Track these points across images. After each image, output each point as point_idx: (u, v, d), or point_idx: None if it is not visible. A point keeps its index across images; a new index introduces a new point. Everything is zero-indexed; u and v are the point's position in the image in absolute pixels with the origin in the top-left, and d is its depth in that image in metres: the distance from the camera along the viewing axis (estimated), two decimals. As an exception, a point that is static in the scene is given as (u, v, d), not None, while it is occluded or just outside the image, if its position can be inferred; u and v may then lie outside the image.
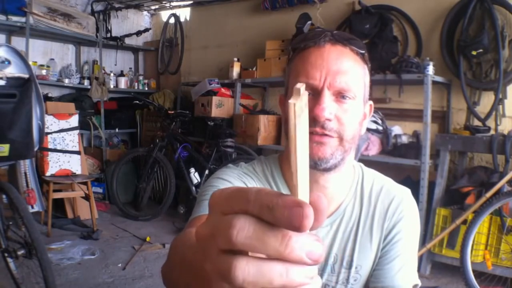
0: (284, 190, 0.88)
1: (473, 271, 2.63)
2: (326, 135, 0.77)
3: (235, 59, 4.39)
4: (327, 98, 0.76)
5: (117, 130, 5.08)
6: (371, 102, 0.88)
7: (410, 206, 0.91)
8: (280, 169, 0.90)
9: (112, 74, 5.15)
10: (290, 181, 0.30)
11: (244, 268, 0.28)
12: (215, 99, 4.18)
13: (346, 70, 0.77)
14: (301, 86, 0.31)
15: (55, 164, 3.84)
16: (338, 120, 0.77)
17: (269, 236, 0.28)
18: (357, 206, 0.89)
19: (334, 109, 0.77)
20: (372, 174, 0.94)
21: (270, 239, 0.28)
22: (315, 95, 0.77)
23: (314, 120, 0.75)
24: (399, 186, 0.93)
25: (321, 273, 0.87)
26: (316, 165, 0.78)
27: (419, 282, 0.89)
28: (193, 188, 4.00)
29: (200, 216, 0.81)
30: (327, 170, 0.81)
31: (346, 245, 0.88)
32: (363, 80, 0.82)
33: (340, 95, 0.78)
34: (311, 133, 0.76)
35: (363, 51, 0.82)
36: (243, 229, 0.28)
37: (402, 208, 0.89)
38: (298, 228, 0.28)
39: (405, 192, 0.92)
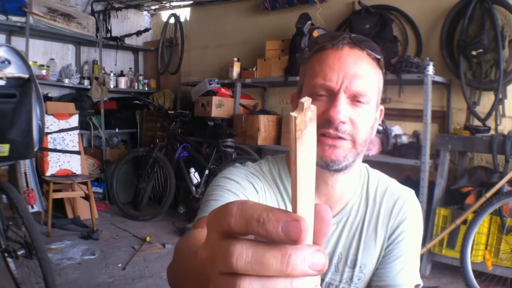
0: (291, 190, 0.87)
1: (473, 271, 2.63)
2: (339, 137, 0.78)
3: (235, 59, 4.38)
4: (343, 101, 0.77)
5: (117, 130, 5.08)
6: (382, 107, 0.88)
7: (414, 207, 0.92)
8: (288, 169, 0.90)
9: (112, 74, 5.16)
10: (292, 192, 0.30)
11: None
12: (215, 99, 4.18)
13: (362, 74, 0.78)
14: (306, 100, 0.30)
15: (55, 164, 3.84)
16: (352, 123, 0.78)
17: (268, 258, 0.28)
18: (363, 206, 0.90)
19: (348, 112, 0.78)
20: (377, 175, 0.95)
21: (270, 260, 0.28)
22: (331, 97, 0.78)
23: (328, 122, 0.76)
24: (404, 187, 0.94)
25: (325, 272, 0.87)
26: (328, 167, 0.79)
27: (421, 282, 0.90)
28: (193, 188, 4.00)
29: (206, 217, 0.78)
30: (338, 171, 0.82)
31: (351, 244, 0.89)
32: (378, 85, 0.83)
33: (355, 99, 0.78)
34: (325, 135, 0.77)
35: (379, 56, 0.82)
36: (242, 255, 0.28)
37: (406, 208, 0.90)
38: (295, 242, 0.28)
39: (409, 193, 0.93)
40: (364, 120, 0.79)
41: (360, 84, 0.77)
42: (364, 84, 0.78)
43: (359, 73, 0.78)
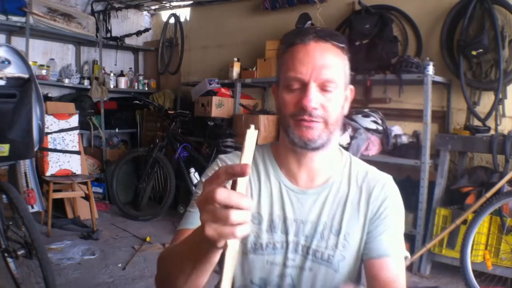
0: (273, 169, 1.02)
1: (473, 271, 2.63)
2: (313, 121, 0.89)
3: (235, 59, 4.38)
4: (313, 90, 0.88)
5: (117, 130, 5.08)
6: (351, 87, 0.99)
7: (393, 188, 1.02)
8: (273, 154, 1.04)
9: (112, 74, 5.15)
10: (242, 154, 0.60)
11: (212, 211, 0.57)
12: (215, 99, 4.18)
13: (329, 64, 0.89)
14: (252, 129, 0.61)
15: (55, 164, 3.84)
16: (323, 107, 0.89)
17: (223, 196, 0.56)
18: (345, 184, 1.01)
19: (319, 99, 0.89)
20: (358, 162, 1.06)
21: (223, 195, 0.56)
22: (303, 87, 0.89)
23: (302, 109, 0.88)
24: (382, 173, 1.04)
25: (311, 239, 0.97)
26: (306, 145, 0.92)
27: (408, 254, 0.98)
28: (193, 188, 4.00)
29: (185, 229, 0.94)
30: (316, 149, 0.93)
31: (335, 215, 0.98)
32: (344, 70, 0.93)
33: (324, 86, 0.89)
34: (302, 120, 0.90)
35: (342, 45, 0.92)
36: (221, 195, 0.56)
37: (386, 189, 1.00)
38: (238, 173, 0.57)
39: (388, 177, 1.04)
40: (334, 103, 0.91)
41: (327, 73, 0.88)
42: (331, 72, 0.89)
43: (325, 63, 0.88)
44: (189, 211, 0.98)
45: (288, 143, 0.95)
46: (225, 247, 0.58)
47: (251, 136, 0.62)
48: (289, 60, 0.91)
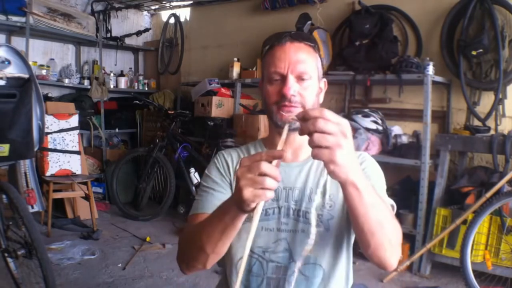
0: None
1: (473, 271, 2.63)
2: (292, 106, 1.05)
3: (235, 59, 4.38)
4: (291, 80, 1.04)
5: (117, 130, 5.08)
6: (325, 79, 1.16)
7: (370, 157, 1.16)
8: (263, 143, 1.25)
9: (112, 74, 5.15)
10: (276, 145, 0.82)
11: (251, 178, 0.77)
12: (215, 99, 4.18)
13: (302, 59, 1.06)
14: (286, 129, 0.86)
15: (55, 164, 3.84)
16: (300, 95, 1.06)
17: (265, 168, 0.75)
18: None
19: (297, 88, 1.05)
20: None
21: (266, 167, 0.75)
22: (283, 79, 1.06)
23: (283, 97, 1.04)
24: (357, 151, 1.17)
25: (300, 203, 1.10)
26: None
27: (394, 203, 1.08)
28: (193, 188, 4.00)
29: (199, 214, 1.09)
30: (295, 130, 1.04)
31: (319, 180, 1.12)
32: (316, 64, 1.10)
33: (300, 78, 1.06)
34: (283, 106, 1.06)
35: (314, 44, 1.10)
36: (262, 167, 0.75)
37: (363, 156, 1.15)
38: (278, 156, 0.78)
39: (364, 152, 1.19)
40: (309, 91, 1.07)
41: (301, 67, 1.05)
42: (304, 66, 1.05)
43: (299, 59, 1.05)
44: (198, 199, 1.14)
45: (273, 126, 1.13)
46: (255, 208, 0.79)
47: (286, 131, 0.85)
48: (270, 59, 1.09)
